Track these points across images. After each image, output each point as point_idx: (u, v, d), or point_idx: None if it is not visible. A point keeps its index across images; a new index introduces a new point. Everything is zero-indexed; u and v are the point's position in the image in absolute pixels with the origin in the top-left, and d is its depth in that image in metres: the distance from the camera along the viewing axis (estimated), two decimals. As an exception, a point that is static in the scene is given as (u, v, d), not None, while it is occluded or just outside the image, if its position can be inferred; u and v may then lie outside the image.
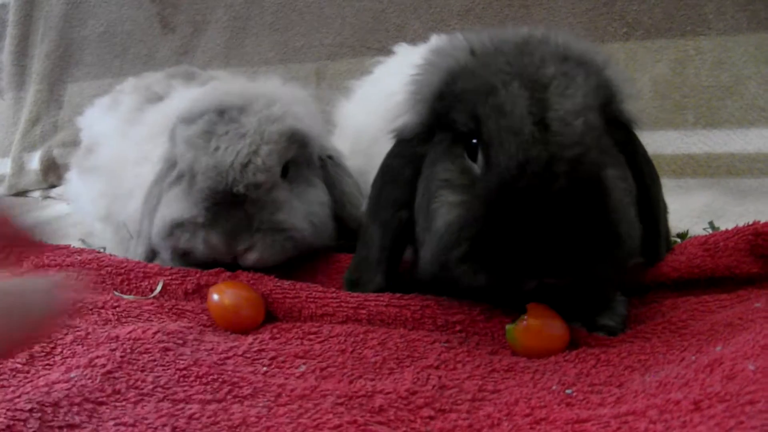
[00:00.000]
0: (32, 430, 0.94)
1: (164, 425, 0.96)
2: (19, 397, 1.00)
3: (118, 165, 2.00)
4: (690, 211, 2.03)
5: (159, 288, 1.50)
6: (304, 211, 1.59)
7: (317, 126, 1.74)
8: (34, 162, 3.44)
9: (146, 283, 1.52)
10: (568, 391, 1.03)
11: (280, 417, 0.98)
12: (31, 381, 1.08)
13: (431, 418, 0.98)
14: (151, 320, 1.37)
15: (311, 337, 1.28)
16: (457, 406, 1.01)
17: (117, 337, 1.19)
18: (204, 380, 1.08)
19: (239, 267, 1.53)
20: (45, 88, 3.59)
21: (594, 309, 1.31)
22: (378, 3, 2.96)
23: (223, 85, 1.81)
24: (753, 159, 2.28)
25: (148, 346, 1.16)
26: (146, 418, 0.97)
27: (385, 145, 1.43)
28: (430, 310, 1.33)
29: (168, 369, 1.11)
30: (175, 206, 1.53)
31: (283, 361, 1.18)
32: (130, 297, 1.49)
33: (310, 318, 1.39)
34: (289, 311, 1.41)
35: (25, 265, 1.58)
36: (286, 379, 1.11)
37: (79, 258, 1.59)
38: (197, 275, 1.52)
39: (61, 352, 1.21)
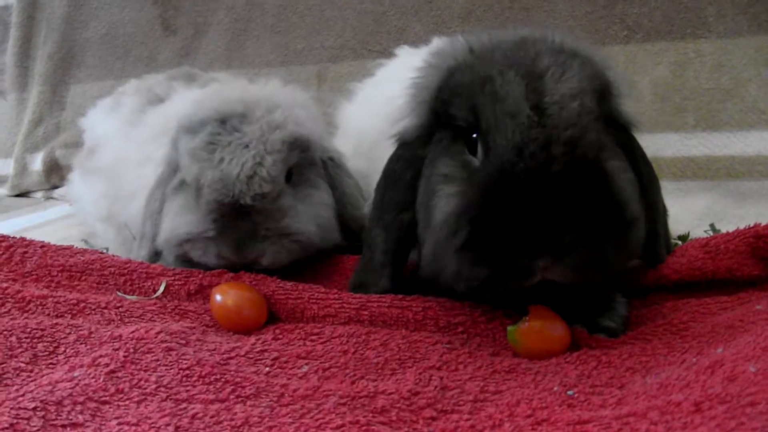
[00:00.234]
0: (35, 428, 0.94)
1: (167, 425, 0.96)
2: (22, 395, 1.00)
3: (120, 166, 2.01)
4: (690, 214, 2.03)
5: (162, 288, 1.51)
6: (309, 214, 1.60)
7: (318, 128, 1.75)
8: (37, 163, 3.45)
9: (149, 283, 1.52)
10: (570, 393, 1.04)
11: (283, 417, 0.99)
12: (35, 380, 1.09)
13: (433, 418, 0.99)
14: (154, 320, 1.38)
15: (314, 337, 1.29)
16: (458, 406, 1.02)
17: (120, 336, 1.20)
18: (207, 380, 1.09)
19: (245, 268, 1.54)
20: (48, 90, 3.60)
21: (595, 310, 1.31)
22: (379, 5, 2.97)
23: (223, 89, 1.81)
24: (753, 161, 2.29)
25: (151, 345, 1.17)
26: (149, 418, 0.98)
27: (387, 147, 1.44)
28: (432, 311, 1.33)
29: (171, 369, 1.11)
30: (182, 220, 1.54)
31: (285, 362, 1.18)
32: (133, 297, 1.49)
33: (313, 319, 1.39)
34: (292, 312, 1.41)
35: (29, 266, 1.58)
36: (289, 379, 1.12)
37: (81, 258, 1.60)
38: (200, 276, 1.52)
39: (65, 351, 1.21)
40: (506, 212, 1.07)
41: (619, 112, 1.31)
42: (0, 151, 3.70)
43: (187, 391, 1.06)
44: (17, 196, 3.46)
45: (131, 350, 1.15)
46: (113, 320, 1.37)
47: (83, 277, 1.56)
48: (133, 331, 1.21)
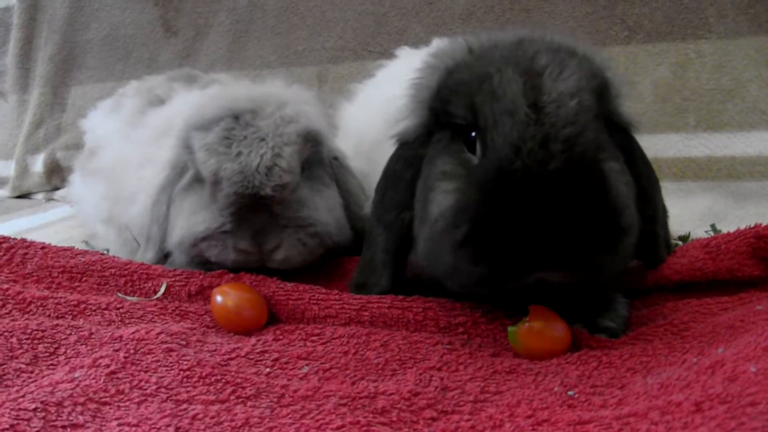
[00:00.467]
0: (36, 429, 0.94)
1: (168, 425, 0.96)
2: (23, 396, 1.01)
3: (120, 167, 2.01)
4: (691, 214, 2.03)
5: (162, 290, 1.51)
6: (326, 206, 1.61)
7: (326, 126, 1.76)
8: (38, 164, 3.46)
9: (150, 284, 1.53)
10: (570, 393, 1.04)
11: (283, 418, 0.99)
12: (35, 381, 1.09)
13: (434, 419, 0.99)
14: (155, 321, 1.38)
15: (314, 338, 1.29)
16: (459, 407, 1.02)
17: (120, 337, 1.20)
18: (207, 381, 1.09)
19: (260, 270, 1.54)
20: (48, 91, 3.61)
21: (595, 310, 1.31)
22: (380, 7, 2.98)
23: (229, 89, 1.82)
24: (754, 162, 2.29)
25: (152, 346, 1.17)
26: (150, 419, 0.98)
27: (388, 148, 1.44)
28: (432, 312, 1.33)
29: (171, 369, 1.11)
30: (197, 218, 1.54)
31: (286, 363, 1.18)
32: (134, 299, 1.49)
33: (313, 320, 1.39)
34: (292, 313, 1.41)
35: (29, 267, 1.58)
36: (289, 380, 1.12)
37: (82, 260, 1.60)
38: (200, 277, 1.52)
39: (65, 352, 1.21)
40: (505, 212, 1.07)
41: (618, 112, 1.31)
42: (1, 152, 3.70)
43: (188, 391, 1.06)
44: (18, 197, 3.46)
45: (132, 351, 1.15)
46: (114, 321, 1.37)
47: (84, 279, 1.56)
48: (133, 332, 1.21)
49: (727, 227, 1.57)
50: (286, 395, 1.05)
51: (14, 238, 1.66)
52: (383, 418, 0.98)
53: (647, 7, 2.51)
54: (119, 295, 1.51)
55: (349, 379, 1.12)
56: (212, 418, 0.98)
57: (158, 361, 1.14)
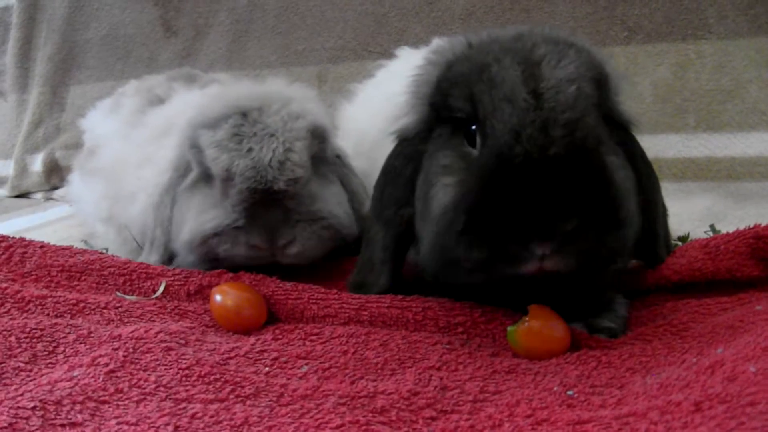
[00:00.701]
0: (35, 427, 0.94)
1: (167, 424, 0.96)
2: (21, 395, 1.00)
3: (119, 167, 2.01)
4: (691, 215, 2.03)
5: (161, 289, 1.51)
6: (336, 200, 1.63)
7: (330, 123, 1.76)
8: (37, 164, 3.46)
9: (149, 284, 1.52)
10: (570, 393, 1.03)
11: (282, 417, 0.99)
12: (34, 379, 1.09)
13: (433, 418, 0.99)
14: (154, 320, 1.37)
15: (313, 338, 1.29)
16: (458, 407, 1.01)
17: (120, 336, 1.20)
18: (206, 380, 1.08)
19: (270, 269, 1.54)
20: (48, 91, 3.61)
21: (595, 311, 1.31)
22: (380, 7, 2.98)
23: (232, 88, 1.82)
24: (754, 163, 2.29)
25: (151, 345, 1.17)
26: (148, 417, 0.98)
27: (388, 147, 1.44)
28: (431, 311, 1.33)
29: (170, 368, 1.11)
30: (207, 216, 1.53)
31: (285, 362, 1.18)
32: (133, 298, 1.49)
33: (312, 319, 1.39)
34: (291, 312, 1.41)
35: (28, 266, 1.58)
36: (288, 379, 1.12)
37: (81, 259, 1.60)
38: (199, 276, 1.52)
39: (64, 350, 1.21)
40: (504, 197, 1.07)
41: (618, 109, 1.31)
42: (0, 152, 3.70)
43: (187, 390, 1.06)
44: (17, 197, 3.46)
45: (131, 350, 1.15)
46: (113, 320, 1.37)
47: (83, 278, 1.56)
48: (132, 331, 1.21)
49: (727, 228, 1.57)
50: (286, 394, 1.05)
51: (13, 237, 1.66)
52: (382, 418, 0.98)
53: (647, 7, 2.51)
54: (118, 294, 1.51)
55: (349, 379, 1.12)
56: (211, 417, 0.98)
57: (157, 360, 1.13)
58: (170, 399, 1.04)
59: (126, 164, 1.97)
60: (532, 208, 1.05)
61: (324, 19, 3.09)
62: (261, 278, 1.49)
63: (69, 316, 1.37)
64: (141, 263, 1.58)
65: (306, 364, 1.17)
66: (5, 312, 1.36)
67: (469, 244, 1.12)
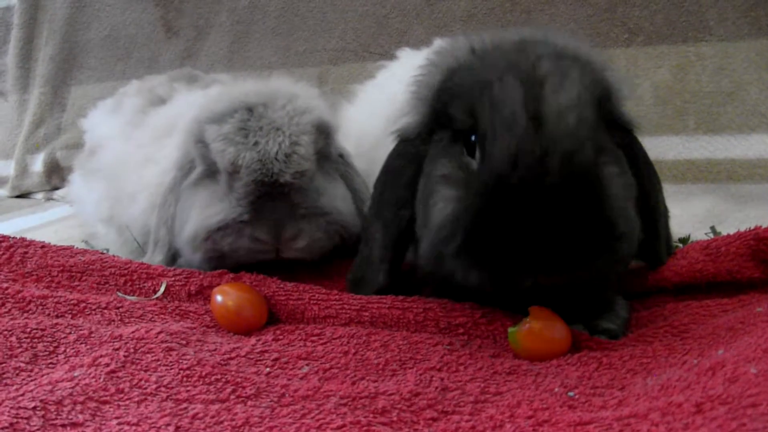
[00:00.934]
0: (35, 428, 0.94)
1: (167, 425, 0.96)
2: (22, 395, 1.01)
3: (121, 167, 2.01)
4: (691, 217, 2.03)
5: (162, 289, 1.51)
6: (341, 196, 1.63)
7: (334, 120, 1.76)
8: (38, 164, 3.46)
9: (149, 284, 1.52)
10: (571, 394, 1.03)
11: (283, 417, 0.99)
12: (35, 379, 1.09)
13: (434, 419, 0.99)
14: (155, 321, 1.37)
15: (314, 338, 1.29)
16: (459, 407, 1.01)
17: (120, 336, 1.20)
18: (207, 380, 1.08)
19: (275, 265, 1.54)
20: (49, 91, 3.61)
21: (595, 312, 1.31)
22: (381, 8, 2.98)
23: (236, 85, 1.82)
24: (754, 165, 2.29)
25: (152, 345, 1.17)
26: (149, 418, 0.98)
27: (388, 148, 1.44)
28: (432, 312, 1.33)
29: (171, 369, 1.11)
30: (212, 210, 1.53)
31: (286, 362, 1.18)
32: (133, 298, 1.49)
33: (313, 320, 1.39)
34: (292, 313, 1.41)
35: (29, 266, 1.58)
36: (289, 380, 1.12)
37: (82, 259, 1.60)
38: (200, 277, 1.52)
39: (65, 351, 1.21)
40: (501, 222, 1.08)
41: (620, 114, 1.31)
42: (1, 152, 3.70)
43: (188, 391, 1.06)
44: (18, 197, 3.46)
45: (131, 350, 1.15)
46: (113, 320, 1.37)
47: (83, 278, 1.56)
48: (133, 331, 1.21)
49: (727, 229, 1.57)
50: (287, 395, 1.05)
51: (14, 237, 1.66)
52: (383, 418, 0.98)
53: (648, 9, 2.51)
54: (119, 294, 1.51)
55: (350, 380, 1.12)
56: (212, 417, 0.98)
57: (158, 360, 1.13)
58: (171, 399, 1.04)
59: (127, 164, 1.97)
60: (526, 233, 1.07)
61: (325, 21, 3.09)
62: (262, 279, 1.49)
63: (70, 316, 1.37)
64: (142, 263, 1.58)
65: (307, 365, 1.17)
66: (6, 312, 1.36)
67: (466, 265, 1.15)
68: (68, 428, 0.95)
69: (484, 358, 1.19)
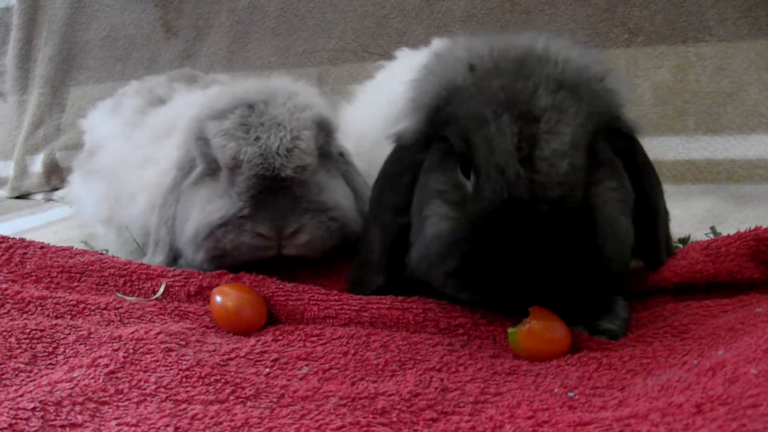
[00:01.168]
0: (34, 429, 0.94)
1: (167, 425, 0.96)
2: (21, 396, 1.00)
3: (120, 168, 2.01)
4: (691, 217, 2.03)
5: (162, 290, 1.50)
6: (343, 194, 1.63)
7: (334, 118, 1.76)
8: (37, 165, 3.45)
9: (149, 284, 1.52)
10: (570, 394, 1.03)
11: (283, 418, 0.98)
12: (34, 380, 1.09)
13: (434, 420, 0.99)
14: (154, 321, 1.37)
15: (314, 339, 1.29)
16: (459, 408, 1.01)
17: (120, 337, 1.20)
18: (206, 381, 1.08)
19: (280, 260, 1.54)
20: (48, 92, 3.61)
21: (595, 312, 1.31)
22: (380, 8, 2.98)
23: (236, 84, 1.82)
24: (754, 165, 2.29)
25: (151, 346, 1.16)
26: (149, 418, 0.98)
27: (387, 148, 1.44)
28: (432, 313, 1.33)
29: (171, 369, 1.11)
30: (213, 206, 1.53)
31: (285, 363, 1.18)
32: (133, 299, 1.49)
33: (313, 320, 1.39)
34: (292, 313, 1.41)
35: (28, 267, 1.58)
36: (289, 380, 1.12)
37: (81, 260, 1.59)
38: (200, 277, 1.52)
39: (64, 351, 1.21)
40: (491, 253, 1.14)
41: (622, 119, 1.31)
42: (0, 152, 3.70)
43: (187, 391, 1.06)
44: (17, 198, 3.46)
45: (131, 351, 1.15)
46: (113, 321, 1.37)
47: (83, 278, 1.56)
48: (132, 332, 1.21)
49: (727, 230, 1.57)
50: (286, 395, 1.05)
51: (13, 238, 1.66)
52: (383, 419, 0.98)
53: (647, 9, 2.51)
54: (118, 295, 1.51)
55: (349, 380, 1.12)
56: (211, 418, 0.98)
57: (157, 361, 1.13)
58: (170, 400, 1.04)
59: (126, 165, 1.97)
60: (517, 267, 1.13)
61: (324, 21, 3.09)
62: (261, 279, 1.49)
63: (69, 317, 1.37)
64: (141, 264, 1.58)
65: (306, 366, 1.17)
66: (5, 313, 1.36)
67: (458, 286, 1.23)
68: (67, 429, 0.95)
69: (483, 359, 1.19)
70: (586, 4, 2.60)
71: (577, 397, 1.03)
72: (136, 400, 1.03)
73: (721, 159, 2.34)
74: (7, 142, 3.68)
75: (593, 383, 1.07)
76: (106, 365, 1.10)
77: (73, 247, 1.70)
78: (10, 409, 0.97)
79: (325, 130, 1.62)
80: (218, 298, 1.38)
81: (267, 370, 1.16)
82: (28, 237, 1.70)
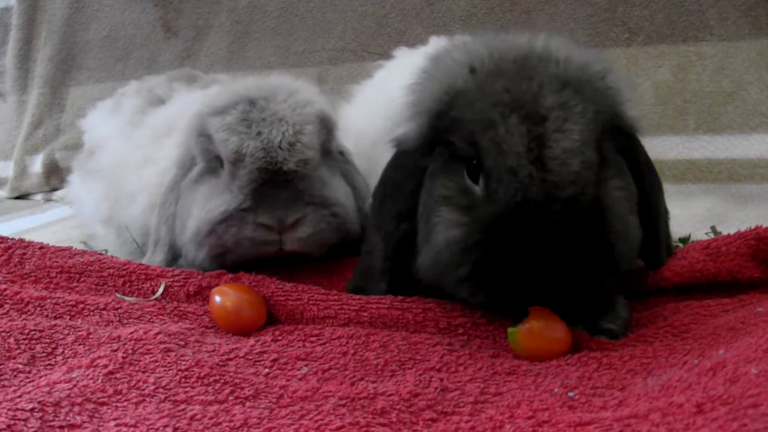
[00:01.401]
0: (33, 429, 0.94)
1: (165, 426, 0.96)
2: (20, 396, 1.00)
3: (120, 168, 2.01)
4: (691, 217, 2.03)
5: (161, 290, 1.50)
6: (344, 191, 1.63)
7: (335, 116, 1.76)
8: (37, 165, 3.45)
9: (148, 285, 1.52)
10: (571, 394, 1.03)
11: (282, 418, 0.98)
12: (33, 381, 1.08)
13: (433, 420, 0.98)
14: (153, 321, 1.37)
15: (313, 339, 1.28)
16: (459, 408, 1.01)
17: (119, 337, 1.19)
18: (205, 381, 1.08)
19: (280, 259, 1.54)
20: (48, 92, 3.61)
21: (596, 312, 1.31)
22: (380, 8, 2.97)
23: (237, 82, 1.82)
24: (754, 164, 2.29)
25: (150, 347, 1.16)
26: (147, 419, 0.97)
27: (385, 148, 1.43)
28: (432, 313, 1.32)
29: (169, 370, 1.11)
30: (214, 202, 1.53)
31: (284, 363, 1.18)
32: (132, 299, 1.49)
33: (312, 320, 1.39)
34: (291, 313, 1.41)
35: (27, 267, 1.58)
36: (288, 380, 1.11)
37: (80, 260, 1.59)
38: (199, 277, 1.51)
39: (63, 352, 1.21)
40: (505, 258, 1.13)
41: (624, 117, 1.31)
42: (-1, 153, 3.70)
43: (186, 392, 1.06)
44: (17, 198, 3.46)
45: (130, 351, 1.15)
46: (112, 321, 1.37)
47: (82, 279, 1.56)
48: (131, 332, 1.21)
49: (728, 229, 1.57)
50: (285, 396, 1.05)
51: (12, 238, 1.66)
52: (382, 419, 0.98)
53: (648, 9, 2.51)
54: (117, 295, 1.51)
55: (348, 380, 1.11)
56: (210, 418, 0.98)
57: (156, 361, 1.13)
58: (169, 400, 1.04)
59: (126, 165, 1.97)
60: (531, 268, 1.12)
61: (324, 21, 3.09)
62: (261, 279, 1.48)
63: (68, 317, 1.37)
64: (140, 264, 1.57)
65: (306, 366, 1.17)
66: (4, 313, 1.36)
67: (471, 289, 1.21)
68: (66, 430, 0.95)
69: (483, 359, 1.19)
70: (586, 3, 2.59)
71: (577, 397, 1.02)
72: (134, 400, 1.03)
73: (721, 158, 2.34)
74: (6, 142, 3.68)
75: (593, 383, 1.07)
76: (105, 366, 1.10)
77: (72, 247, 1.70)
78: (9, 409, 0.96)
79: (326, 126, 1.62)
80: (217, 298, 1.38)
81: (266, 370, 1.15)
82: (28, 237, 1.70)
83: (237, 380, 1.08)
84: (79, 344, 1.22)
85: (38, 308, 1.38)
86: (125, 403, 1.03)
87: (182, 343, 1.21)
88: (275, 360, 1.19)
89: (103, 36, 3.56)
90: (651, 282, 1.43)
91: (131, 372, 1.10)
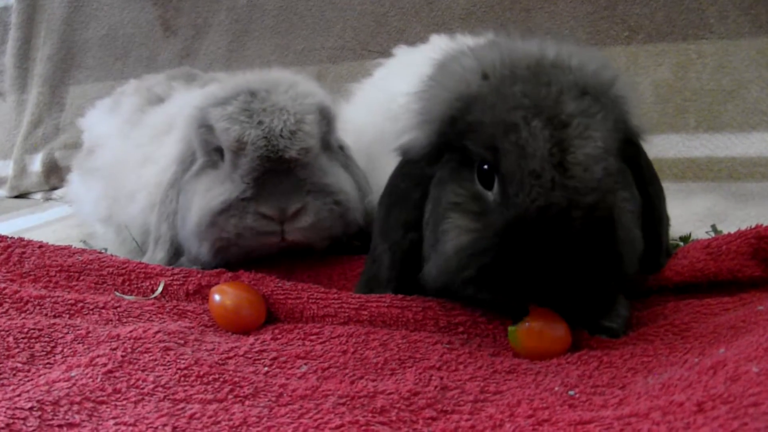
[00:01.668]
0: (32, 428, 0.93)
1: (165, 425, 0.95)
2: (19, 395, 1.00)
3: (119, 166, 2.00)
4: (692, 215, 2.03)
5: (160, 289, 1.50)
6: (345, 179, 1.63)
7: (335, 108, 1.76)
8: (36, 164, 3.45)
9: (147, 283, 1.52)
10: (571, 393, 1.03)
11: (282, 417, 0.98)
12: (32, 380, 1.08)
13: (433, 418, 0.98)
14: (152, 320, 1.37)
15: (312, 337, 1.28)
16: (459, 407, 1.01)
17: (118, 336, 1.19)
18: (205, 380, 1.08)
19: (282, 253, 1.53)
20: (47, 91, 3.60)
21: (596, 312, 1.31)
22: (379, 6, 2.97)
23: (238, 75, 1.82)
24: (755, 163, 2.28)
25: (149, 345, 1.16)
26: (147, 418, 0.97)
27: (385, 146, 1.43)
28: (432, 311, 1.32)
29: (169, 369, 1.10)
30: (214, 193, 1.53)
31: (284, 362, 1.18)
32: (131, 297, 1.49)
33: (312, 319, 1.38)
34: (291, 312, 1.40)
35: (27, 266, 1.58)
36: (288, 379, 1.11)
37: (80, 259, 1.59)
38: (198, 276, 1.51)
39: (62, 351, 1.20)
40: (521, 261, 1.12)
41: (630, 125, 1.30)
42: (-1, 152, 3.70)
43: (185, 391, 1.05)
44: (16, 197, 3.46)
45: (129, 350, 1.15)
46: (111, 320, 1.37)
47: (81, 278, 1.55)
48: (130, 331, 1.21)
49: (728, 228, 1.56)
50: (285, 394, 1.04)
51: (11, 237, 1.66)
52: (382, 418, 0.98)
53: (648, 7, 2.50)
54: (117, 294, 1.51)
55: (348, 379, 1.11)
56: (210, 417, 0.97)
57: (155, 360, 1.13)
58: (168, 399, 1.03)
59: (125, 163, 1.96)
60: (545, 272, 1.11)
61: (323, 19, 3.09)
62: (260, 278, 1.48)
63: (67, 316, 1.37)
64: (140, 263, 1.57)
65: (305, 364, 1.17)
66: (3, 312, 1.35)
67: (479, 288, 1.20)
68: (65, 428, 0.95)
69: (483, 357, 1.18)
70: (586, 1, 2.59)
71: (577, 395, 1.02)
72: (134, 399, 1.03)
73: (721, 157, 2.34)
74: (6, 141, 3.68)
75: (594, 382, 1.07)
76: (104, 364, 1.10)
77: (71, 246, 1.69)
78: (8, 408, 0.96)
79: (326, 118, 1.62)
80: (217, 297, 1.38)
81: (266, 368, 1.15)
82: (27, 236, 1.70)
83: (236, 379, 1.08)
84: (79, 343, 1.22)
85: (37, 307, 1.38)
86: (124, 402, 1.02)
87: (181, 341, 1.21)
88: (275, 358, 1.18)
89: (102, 35, 3.56)
90: (652, 281, 1.43)
91: (130, 371, 1.09)
